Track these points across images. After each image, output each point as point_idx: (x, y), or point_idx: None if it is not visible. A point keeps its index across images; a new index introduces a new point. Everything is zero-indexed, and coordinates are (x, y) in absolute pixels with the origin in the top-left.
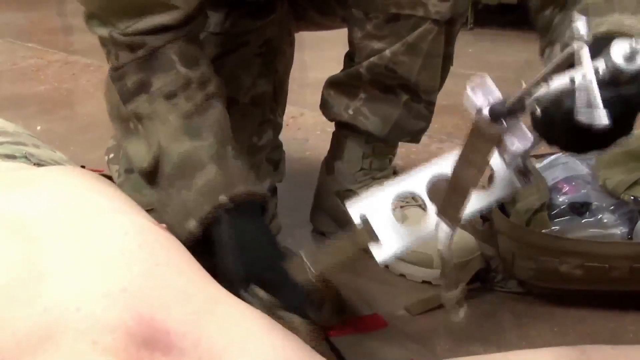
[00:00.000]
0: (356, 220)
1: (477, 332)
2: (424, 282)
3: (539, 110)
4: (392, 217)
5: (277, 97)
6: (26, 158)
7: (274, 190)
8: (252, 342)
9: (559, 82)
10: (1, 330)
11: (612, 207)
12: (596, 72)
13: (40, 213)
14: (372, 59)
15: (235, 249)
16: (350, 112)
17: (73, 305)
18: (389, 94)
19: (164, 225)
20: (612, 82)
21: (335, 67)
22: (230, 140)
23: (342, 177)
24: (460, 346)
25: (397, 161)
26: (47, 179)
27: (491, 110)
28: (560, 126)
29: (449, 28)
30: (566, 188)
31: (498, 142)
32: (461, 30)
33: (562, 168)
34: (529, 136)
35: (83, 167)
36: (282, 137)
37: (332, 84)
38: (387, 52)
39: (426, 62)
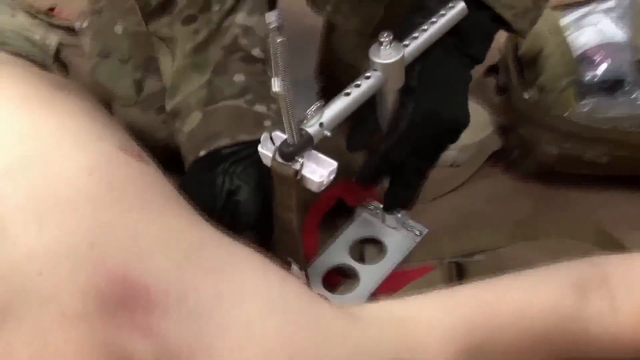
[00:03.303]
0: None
1: (489, 217)
2: None
3: (328, 133)
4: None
5: None
6: None
7: None
8: (246, 291)
9: (339, 100)
10: None
11: None
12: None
13: None
14: None
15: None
16: (329, 8)
17: (33, 269)
18: None
19: (137, 152)
20: None
21: None
22: (236, 69)
23: (341, 53)
24: (470, 232)
25: None
26: None
27: (281, 153)
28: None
29: None
30: (598, 59)
31: (297, 179)
32: None
33: (593, 31)
34: (330, 161)
35: None
36: None
37: None
38: None
39: None
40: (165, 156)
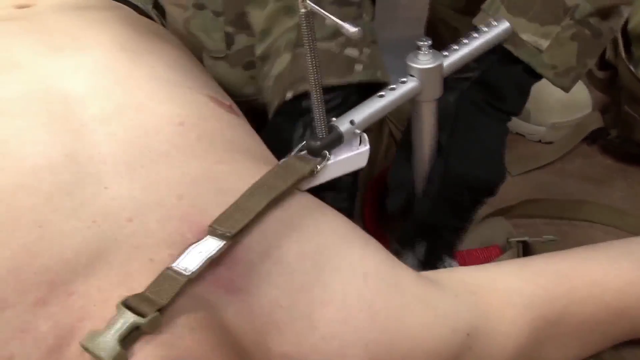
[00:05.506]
0: None
1: (578, 197)
2: (517, 134)
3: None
4: None
5: None
6: None
7: None
8: (328, 253)
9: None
10: (48, 248)
11: None
12: None
13: (86, 91)
14: None
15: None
16: None
17: (123, 216)
18: None
19: (228, 103)
20: None
21: None
22: (328, 12)
23: (445, 17)
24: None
25: None
26: (93, 36)
27: (308, 146)
28: None
29: None
30: None
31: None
32: None
33: None
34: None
35: None
36: None
37: None
38: None
39: None
40: (250, 113)
